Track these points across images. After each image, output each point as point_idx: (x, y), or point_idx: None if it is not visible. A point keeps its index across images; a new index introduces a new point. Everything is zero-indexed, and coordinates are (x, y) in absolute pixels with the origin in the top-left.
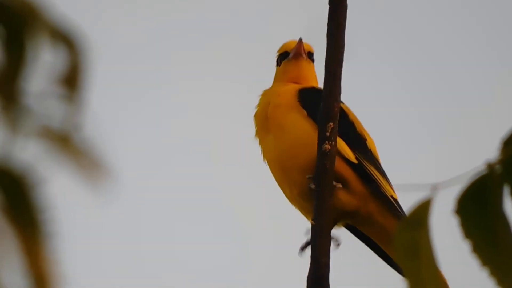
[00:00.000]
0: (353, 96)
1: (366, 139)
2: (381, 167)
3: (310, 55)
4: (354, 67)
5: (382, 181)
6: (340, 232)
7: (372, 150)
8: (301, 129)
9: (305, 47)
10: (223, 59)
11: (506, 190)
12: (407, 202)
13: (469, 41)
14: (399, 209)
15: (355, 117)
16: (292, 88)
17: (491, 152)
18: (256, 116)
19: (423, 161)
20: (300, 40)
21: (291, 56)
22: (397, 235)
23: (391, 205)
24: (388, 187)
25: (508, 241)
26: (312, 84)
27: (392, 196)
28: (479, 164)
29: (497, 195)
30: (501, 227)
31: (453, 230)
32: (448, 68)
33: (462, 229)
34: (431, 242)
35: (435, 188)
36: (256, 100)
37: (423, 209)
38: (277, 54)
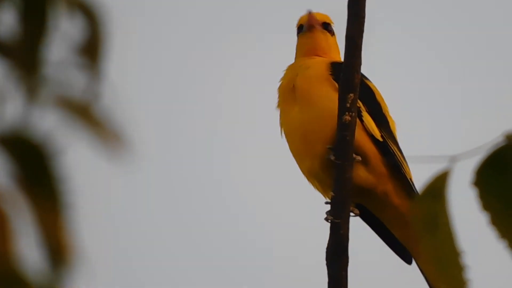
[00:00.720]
0: (373, 67)
1: (389, 121)
2: (401, 150)
3: (326, 26)
4: (375, 38)
5: (403, 162)
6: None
7: (394, 133)
8: (331, 100)
9: (319, 18)
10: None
11: None
12: (425, 174)
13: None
14: (416, 192)
15: (381, 97)
16: (322, 61)
17: (509, 123)
18: (281, 87)
19: (441, 132)
20: (310, 12)
21: (304, 29)
22: (415, 206)
23: (409, 188)
24: (408, 170)
25: None
26: (332, 55)
27: (410, 179)
28: (498, 135)
29: None
30: None
31: (471, 202)
32: (466, 39)
33: (480, 200)
34: (449, 214)
35: (453, 159)
36: (280, 74)
37: (442, 180)
38: (296, 28)
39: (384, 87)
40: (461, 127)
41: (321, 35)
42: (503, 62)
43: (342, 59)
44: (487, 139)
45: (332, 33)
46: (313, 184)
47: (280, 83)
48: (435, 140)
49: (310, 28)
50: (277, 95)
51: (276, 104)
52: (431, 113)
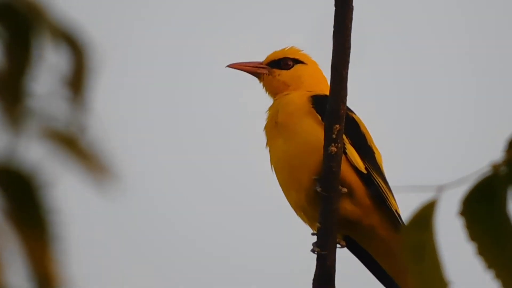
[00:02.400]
0: (358, 97)
1: (375, 153)
2: (387, 181)
3: (276, 64)
4: (360, 68)
5: (389, 194)
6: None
7: (379, 164)
8: (313, 132)
9: (273, 56)
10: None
11: (510, 191)
12: (412, 203)
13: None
14: (402, 225)
15: (366, 129)
16: (301, 95)
17: (496, 153)
18: (265, 127)
19: (428, 162)
20: (242, 64)
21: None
22: (403, 236)
23: (394, 220)
24: (393, 201)
25: None
26: (306, 84)
27: (396, 211)
28: (485, 165)
29: (503, 196)
30: (506, 228)
31: (459, 232)
32: (451, 70)
33: (467, 231)
34: (437, 243)
35: (440, 189)
36: (264, 116)
37: (429, 210)
38: None
39: (372, 115)
40: (449, 157)
41: (268, 78)
42: (489, 91)
43: (319, 87)
44: (474, 169)
45: (288, 66)
46: (300, 216)
47: (265, 123)
48: (423, 169)
49: (255, 75)
50: (264, 136)
51: (265, 144)
52: (419, 142)
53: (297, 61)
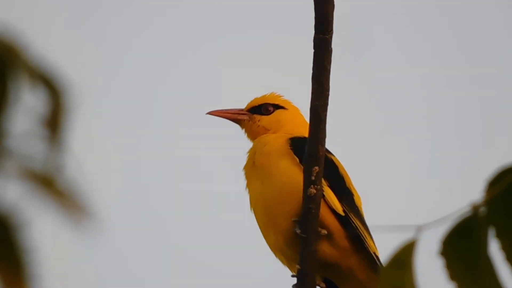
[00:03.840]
0: (338, 135)
1: (353, 195)
2: (366, 223)
3: (256, 110)
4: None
5: (367, 236)
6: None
7: (358, 206)
8: (290, 174)
9: (253, 103)
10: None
11: (491, 232)
12: (391, 243)
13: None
14: (381, 265)
15: (345, 171)
16: (279, 136)
17: (475, 193)
18: (244, 167)
19: (407, 202)
20: (222, 111)
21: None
22: (382, 276)
23: (373, 262)
24: (371, 243)
25: (493, 283)
26: (286, 128)
27: (374, 253)
28: (464, 205)
29: (482, 236)
30: (487, 268)
31: (438, 272)
32: (432, 99)
33: (447, 270)
34: (416, 283)
35: (419, 229)
36: (244, 158)
37: (408, 250)
38: None
39: (351, 155)
40: (428, 197)
41: (249, 124)
42: (471, 130)
43: (298, 131)
44: (453, 209)
45: (268, 112)
46: (279, 258)
47: (244, 164)
48: (402, 210)
49: (236, 122)
50: (243, 178)
51: (244, 186)
52: (398, 183)
53: (277, 107)
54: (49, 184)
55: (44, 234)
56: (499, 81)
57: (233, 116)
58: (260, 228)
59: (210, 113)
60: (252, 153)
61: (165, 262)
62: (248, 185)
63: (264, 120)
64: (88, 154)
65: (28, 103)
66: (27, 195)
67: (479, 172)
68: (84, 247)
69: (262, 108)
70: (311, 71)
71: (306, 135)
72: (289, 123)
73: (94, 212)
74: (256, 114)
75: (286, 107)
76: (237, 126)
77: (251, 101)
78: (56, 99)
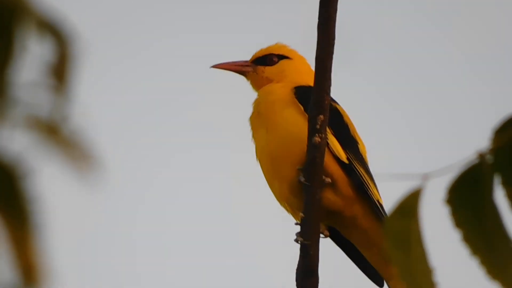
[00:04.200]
0: (343, 88)
1: (358, 143)
2: (370, 172)
3: (260, 61)
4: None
5: (371, 184)
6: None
7: (363, 155)
8: (295, 122)
9: (258, 54)
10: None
11: (497, 179)
12: (397, 192)
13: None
14: (384, 215)
15: (349, 119)
16: (284, 85)
17: (482, 141)
18: (250, 118)
19: (414, 150)
20: (227, 64)
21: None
22: (388, 224)
23: (377, 210)
24: (375, 191)
25: (498, 230)
26: (290, 78)
27: (378, 201)
28: (470, 154)
29: (488, 184)
30: (492, 216)
31: (444, 220)
32: (439, 57)
33: (453, 218)
34: (422, 232)
35: (426, 177)
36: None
37: (414, 198)
38: None
39: (357, 104)
40: (435, 145)
41: (253, 75)
42: (478, 79)
43: (303, 80)
44: (459, 157)
45: (273, 62)
46: (283, 207)
47: (250, 114)
48: (409, 158)
49: (241, 74)
50: (249, 128)
51: (250, 137)
52: (405, 130)
53: (282, 57)
54: (55, 133)
55: (49, 183)
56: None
57: (238, 68)
58: (265, 177)
59: (215, 66)
60: (257, 103)
61: (169, 211)
62: (253, 135)
63: (268, 70)
64: (94, 103)
65: (35, 53)
66: (32, 144)
67: (485, 121)
68: (89, 197)
69: (267, 59)
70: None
71: (312, 84)
72: (294, 73)
73: (98, 161)
74: (260, 65)
75: (291, 57)
76: (243, 78)
77: (256, 52)
78: (63, 48)
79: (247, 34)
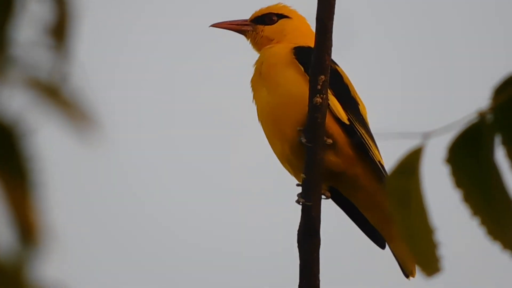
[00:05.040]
0: (343, 46)
1: (359, 104)
2: (371, 132)
3: (260, 20)
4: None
5: (372, 145)
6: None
7: (363, 116)
8: (296, 83)
9: (257, 13)
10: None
11: (497, 138)
12: (398, 150)
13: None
14: (385, 175)
15: (349, 80)
16: (284, 46)
17: (482, 100)
18: (251, 80)
19: (415, 109)
20: (211, 26)
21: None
22: (389, 183)
23: (378, 170)
24: (376, 152)
25: (499, 190)
26: (289, 38)
27: (379, 162)
28: (471, 112)
29: (489, 143)
30: (492, 176)
31: (444, 179)
32: (439, 16)
33: (453, 177)
34: (422, 190)
35: (426, 136)
36: (251, 70)
37: (415, 157)
38: None
39: (356, 64)
40: (435, 104)
41: (252, 34)
42: (478, 38)
43: (303, 40)
44: (460, 116)
45: (272, 21)
46: (285, 167)
47: (251, 76)
48: (409, 117)
49: (241, 32)
50: (250, 89)
51: (252, 97)
52: (405, 89)
53: (281, 16)
54: (54, 93)
55: (48, 143)
56: None
57: (237, 27)
58: (267, 137)
59: (214, 25)
60: (259, 64)
61: (170, 173)
62: (254, 96)
63: (267, 29)
64: (94, 63)
65: (34, 11)
66: (32, 104)
67: (486, 79)
68: (88, 157)
69: (266, 18)
70: None
71: (312, 45)
72: (293, 32)
73: (98, 121)
74: (259, 25)
75: (290, 16)
76: (242, 37)
77: (255, 12)
78: (62, 7)
79: None
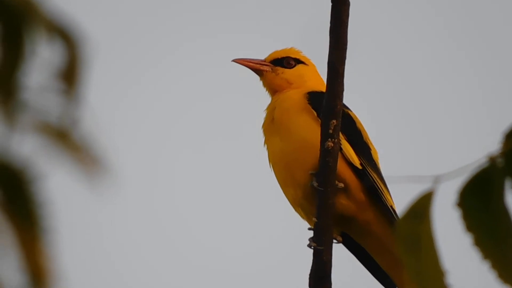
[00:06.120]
0: (355, 90)
1: (371, 149)
2: (383, 177)
3: (279, 62)
4: (355, 62)
5: (384, 189)
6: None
7: (375, 160)
8: (309, 128)
9: (275, 55)
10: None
11: (508, 183)
12: (409, 194)
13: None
14: (397, 217)
15: (362, 125)
16: (297, 92)
17: (493, 145)
18: (263, 125)
19: (426, 153)
20: (233, 60)
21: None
22: (399, 227)
23: (390, 215)
24: (388, 197)
25: (509, 234)
26: (308, 84)
27: (391, 206)
28: (481, 157)
29: (499, 188)
30: (503, 220)
31: (455, 223)
32: (451, 57)
33: (464, 222)
34: (433, 234)
35: (437, 180)
36: (263, 115)
37: (425, 201)
38: None
39: (366, 107)
40: (446, 149)
41: (271, 75)
42: (486, 84)
43: (318, 87)
44: (470, 160)
45: (290, 65)
46: (298, 212)
47: (263, 121)
48: (419, 162)
49: (258, 72)
50: (262, 134)
51: (263, 143)
52: (416, 134)
53: (298, 61)
54: (64, 137)
55: (58, 188)
56: None
57: (256, 66)
58: (279, 183)
59: (236, 60)
60: (271, 109)
61: (179, 216)
62: (266, 142)
63: (287, 73)
64: (104, 107)
65: (44, 56)
66: (42, 148)
67: (496, 124)
68: (98, 201)
69: (284, 61)
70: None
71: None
72: (311, 79)
73: (108, 166)
74: (279, 67)
75: (306, 63)
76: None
77: (272, 53)
78: (72, 52)
79: (256, 35)
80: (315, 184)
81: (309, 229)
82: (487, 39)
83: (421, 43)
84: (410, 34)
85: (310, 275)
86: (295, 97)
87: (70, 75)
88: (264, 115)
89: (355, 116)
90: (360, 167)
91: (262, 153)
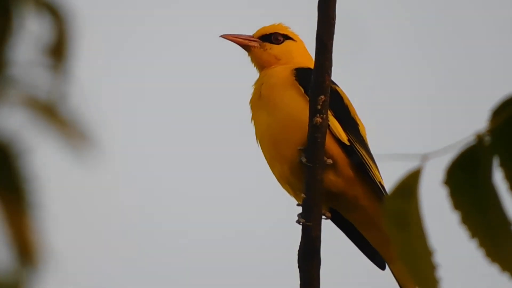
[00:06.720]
0: (343, 66)
1: (358, 125)
2: (371, 153)
3: (267, 38)
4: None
5: (372, 165)
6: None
7: (363, 136)
8: (296, 104)
9: (263, 31)
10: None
11: (495, 160)
12: (396, 172)
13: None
14: (386, 194)
15: (349, 101)
16: (285, 68)
17: (480, 122)
18: (250, 100)
19: (413, 131)
20: (221, 36)
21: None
22: (387, 204)
23: (378, 191)
24: (376, 172)
25: (497, 212)
26: (296, 60)
27: (379, 182)
28: (469, 135)
29: (487, 165)
30: (490, 198)
31: (443, 201)
32: (438, 37)
33: (451, 199)
34: (421, 212)
35: (425, 158)
36: (250, 90)
37: (413, 178)
38: None
39: (357, 86)
40: (433, 126)
41: (259, 50)
42: (475, 60)
43: (305, 63)
44: (458, 138)
45: (279, 41)
46: (285, 188)
47: (250, 97)
48: (407, 139)
49: (246, 48)
50: (249, 110)
51: (250, 118)
52: (404, 111)
53: (287, 37)
54: (52, 112)
55: (45, 162)
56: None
57: (244, 41)
58: (266, 159)
59: (224, 36)
60: (259, 85)
61: (166, 190)
62: (254, 117)
63: (275, 48)
64: (91, 82)
65: (32, 31)
66: (29, 123)
67: (483, 102)
68: (85, 176)
69: (272, 37)
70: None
71: (311, 67)
72: (299, 55)
73: (96, 141)
74: (266, 42)
75: (294, 39)
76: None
77: (260, 29)
78: (61, 26)
79: (244, 11)
80: (304, 159)
81: (298, 205)
82: (481, 18)
83: (412, 16)
84: (400, 8)
85: (299, 251)
86: (282, 73)
87: (58, 50)
88: (251, 90)
89: (343, 92)
90: (347, 143)
91: (249, 129)
